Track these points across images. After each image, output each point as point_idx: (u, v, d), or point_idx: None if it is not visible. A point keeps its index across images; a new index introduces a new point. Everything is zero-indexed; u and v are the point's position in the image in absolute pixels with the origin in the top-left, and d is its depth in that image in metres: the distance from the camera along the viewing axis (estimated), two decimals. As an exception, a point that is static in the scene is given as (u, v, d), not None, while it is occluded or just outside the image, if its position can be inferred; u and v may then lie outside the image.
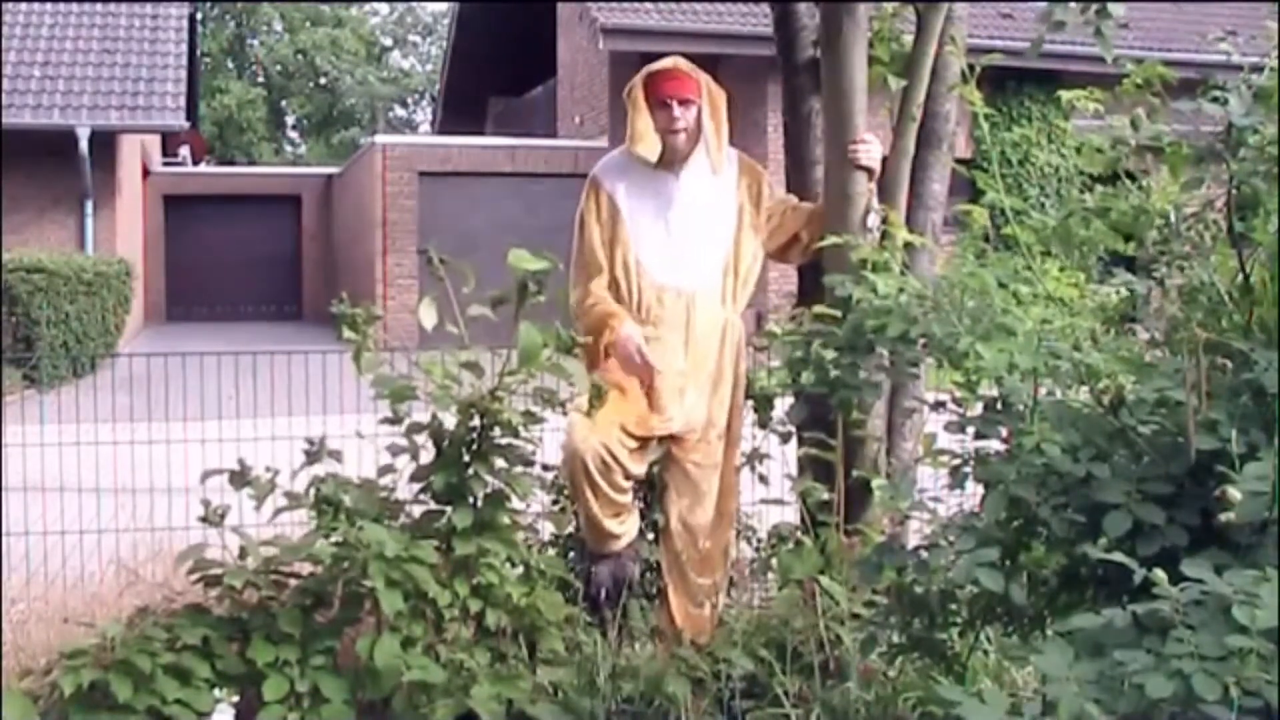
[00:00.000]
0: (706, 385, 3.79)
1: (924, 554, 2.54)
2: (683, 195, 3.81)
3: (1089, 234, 2.97)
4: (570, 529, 3.97)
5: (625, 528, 3.73)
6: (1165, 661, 1.70)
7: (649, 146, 3.78)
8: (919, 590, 2.63)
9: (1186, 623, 1.75)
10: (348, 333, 3.43)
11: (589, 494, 3.62)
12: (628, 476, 3.67)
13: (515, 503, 3.50)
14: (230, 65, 43.46)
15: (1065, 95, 3.33)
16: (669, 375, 3.73)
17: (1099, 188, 2.99)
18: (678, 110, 3.75)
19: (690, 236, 3.80)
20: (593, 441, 3.56)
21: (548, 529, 4.04)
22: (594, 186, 3.87)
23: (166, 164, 22.99)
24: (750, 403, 4.12)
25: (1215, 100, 2.41)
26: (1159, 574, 1.82)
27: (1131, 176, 2.94)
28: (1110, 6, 2.79)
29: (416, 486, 3.43)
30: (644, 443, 3.72)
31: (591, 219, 3.84)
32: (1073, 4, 2.77)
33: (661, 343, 3.75)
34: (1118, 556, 1.97)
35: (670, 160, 3.80)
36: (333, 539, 3.25)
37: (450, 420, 3.38)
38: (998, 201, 3.14)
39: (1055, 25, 2.74)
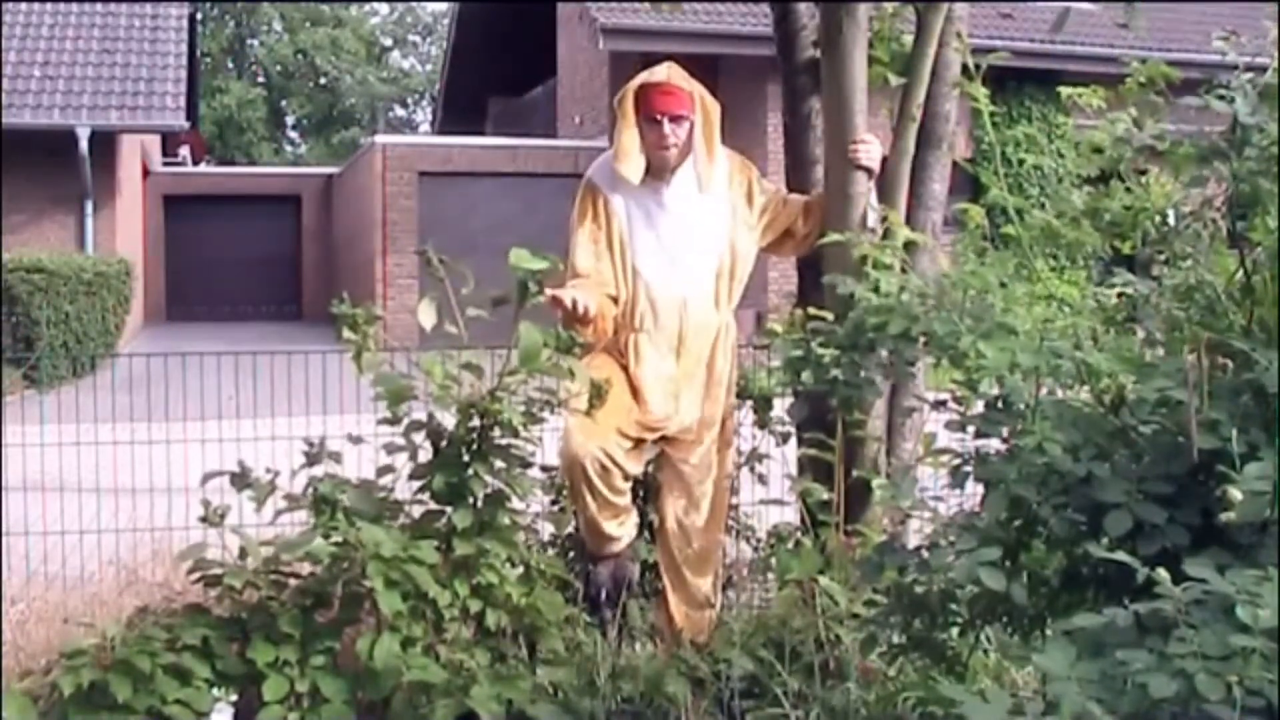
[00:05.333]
0: (700, 387, 3.77)
1: (925, 553, 2.54)
2: (675, 203, 3.76)
3: (1076, 234, 2.97)
4: (570, 529, 3.97)
5: (624, 530, 3.73)
6: (1168, 661, 1.70)
7: (633, 166, 3.69)
8: (919, 590, 2.63)
9: (1189, 622, 1.75)
10: (348, 333, 3.42)
11: (589, 498, 3.61)
12: (626, 478, 3.67)
13: (515, 503, 3.49)
14: (230, 65, 43.48)
15: (1065, 91, 3.33)
16: (661, 381, 3.72)
17: (1088, 188, 2.99)
18: (668, 127, 3.66)
19: (683, 243, 3.75)
20: (591, 446, 3.55)
21: (548, 529, 4.04)
22: (590, 191, 3.80)
23: (166, 164, 22.99)
24: (750, 403, 4.12)
25: (1221, 99, 2.41)
26: (1162, 573, 1.82)
27: (1123, 177, 2.94)
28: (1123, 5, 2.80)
29: (415, 486, 3.43)
30: (639, 442, 3.71)
31: (587, 219, 3.77)
32: (1088, 4, 2.77)
33: (654, 349, 3.74)
34: (1120, 555, 1.97)
35: (662, 170, 3.74)
36: (332, 539, 3.25)
37: (449, 420, 3.37)
38: (1000, 200, 3.14)
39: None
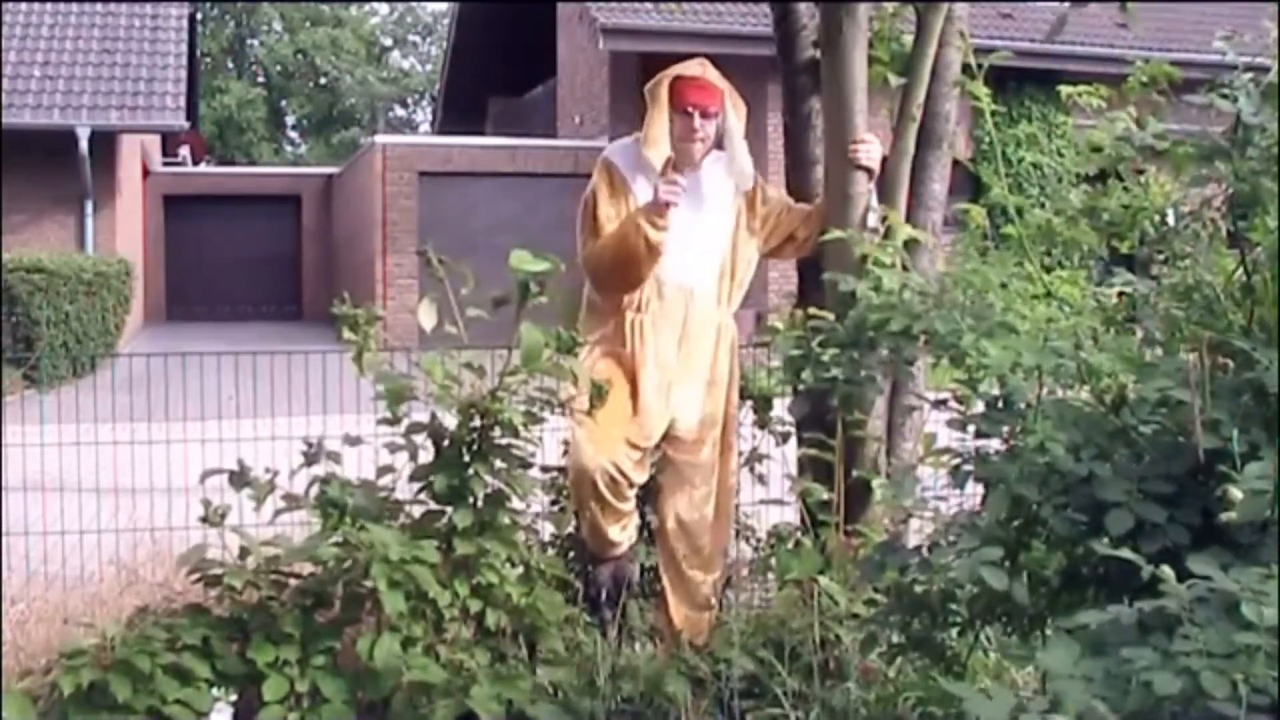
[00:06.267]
0: (701, 384, 3.78)
1: (925, 553, 2.53)
2: (690, 196, 3.78)
3: (1073, 233, 2.97)
4: (570, 529, 3.97)
5: (626, 534, 3.74)
6: (1172, 659, 1.70)
7: (659, 152, 3.75)
8: (920, 590, 2.63)
9: (1192, 620, 1.75)
10: (348, 333, 3.42)
11: (596, 509, 3.63)
12: (632, 486, 3.68)
13: (515, 503, 3.49)
14: (230, 65, 43.47)
15: (1066, 90, 3.33)
16: (661, 369, 3.73)
17: (1085, 187, 2.99)
18: (699, 121, 3.73)
19: (692, 234, 3.79)
20: (601, 460, 3.57)
21: (548, 529, 4.04)
22: (606, 167, 3.85)
23: (166, 164, 22.97)
24: (750, 403, 4.12)
25: (1224, 98, 2.41)
26: (1166, 571, 1.82)
27: (1121, 176, 2.94)
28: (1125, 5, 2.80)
29: (416, 486, 3.43)
30: (645, 450, 3.72)
31: (604, 193, 3.81)
32: (1088, 4, 2.77)
33: (657, 334, 3.75)
34: (1124, 552, 1.97)
35: (683, 162, 3.79)
36: (334, 540, 3.25)
37: (450, 420, 3.37)
38: (1001, 199, 3.14)
39: (1077, 2, 2.74)
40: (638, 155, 3.81)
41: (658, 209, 3.61)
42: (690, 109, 3.73)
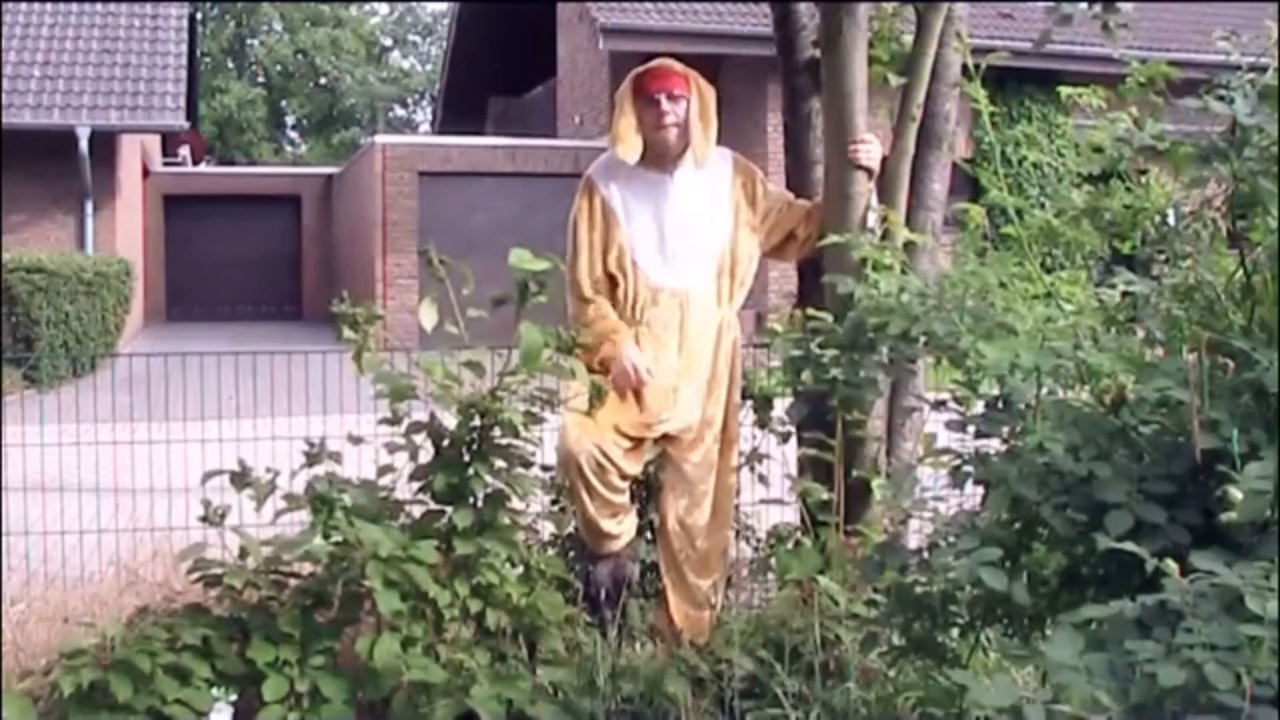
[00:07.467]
0: (702, 385, 3.78)
1: (925, 554, 2.54)
2: (677, 195, 3.80)
3: (1075, 234, 2.97)
4: (570, 529, 3.97)
5: (623, 528, 3.73)
6: (1176, 651, 1.70)
7: (629, 148, 3.76)
8: (920, 590, 2.63)
9: (1195, 613, 1.75)
10: (348, 332, 3.42)
11: (585, 495, 3.62)
12: (623, 477, 3.68)
13: (515, 503, 3.49)
14: (230, 65, 43.48)
15: (1066, 91, 3.33)
16: (662, 374, 3.73)
17: (1087, 187, 2.99)
18: (666, 104, 3.73)
19: (684, 236, 3.79)
20: (586, 443, 3.56)
21: (548, 529, 4.04)
22: (588, 188, 3.85)
23: (166, 164, 22.98)
24: (750, 403, 4.12)
25: (1221, 99, 2.41)
26: (1170, 565, 1.82)
27: (1122, 177, 2.95)
28: (1118, 5, 2.80)
29: (416, 486, 3.43)
30: (638, 442, 3.72)
31: (584, 221, 3.82)
32: (1080, 2, 2.77)
33: (656, 341, 3.75)
34: (1129, 546, 1.97)
35: (664, 159, 3.79)
36: (331, 539, 3.25)
37: (450, 420, 3.37)
38: (1000, 200, 3.14)
39: (1063, 20, 2.74)
40: (617, 163, 3.82)
41: (626, 381, 3.66)
42: (655, 94, 3.74)
